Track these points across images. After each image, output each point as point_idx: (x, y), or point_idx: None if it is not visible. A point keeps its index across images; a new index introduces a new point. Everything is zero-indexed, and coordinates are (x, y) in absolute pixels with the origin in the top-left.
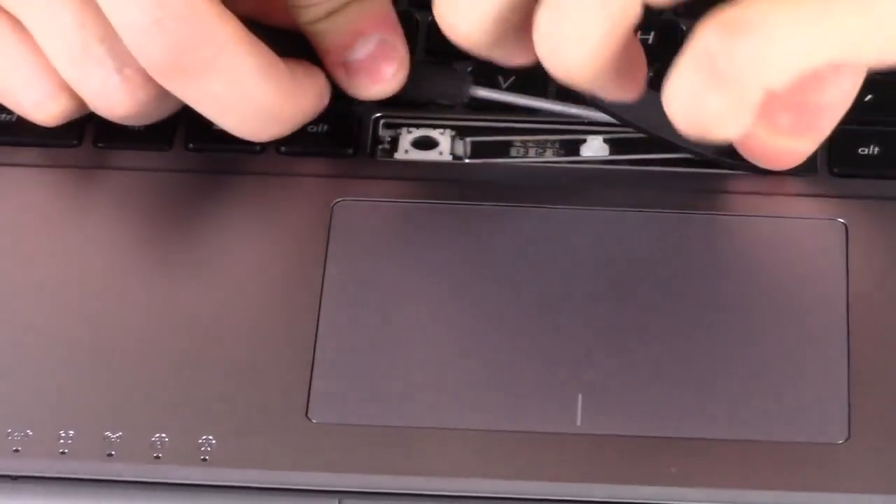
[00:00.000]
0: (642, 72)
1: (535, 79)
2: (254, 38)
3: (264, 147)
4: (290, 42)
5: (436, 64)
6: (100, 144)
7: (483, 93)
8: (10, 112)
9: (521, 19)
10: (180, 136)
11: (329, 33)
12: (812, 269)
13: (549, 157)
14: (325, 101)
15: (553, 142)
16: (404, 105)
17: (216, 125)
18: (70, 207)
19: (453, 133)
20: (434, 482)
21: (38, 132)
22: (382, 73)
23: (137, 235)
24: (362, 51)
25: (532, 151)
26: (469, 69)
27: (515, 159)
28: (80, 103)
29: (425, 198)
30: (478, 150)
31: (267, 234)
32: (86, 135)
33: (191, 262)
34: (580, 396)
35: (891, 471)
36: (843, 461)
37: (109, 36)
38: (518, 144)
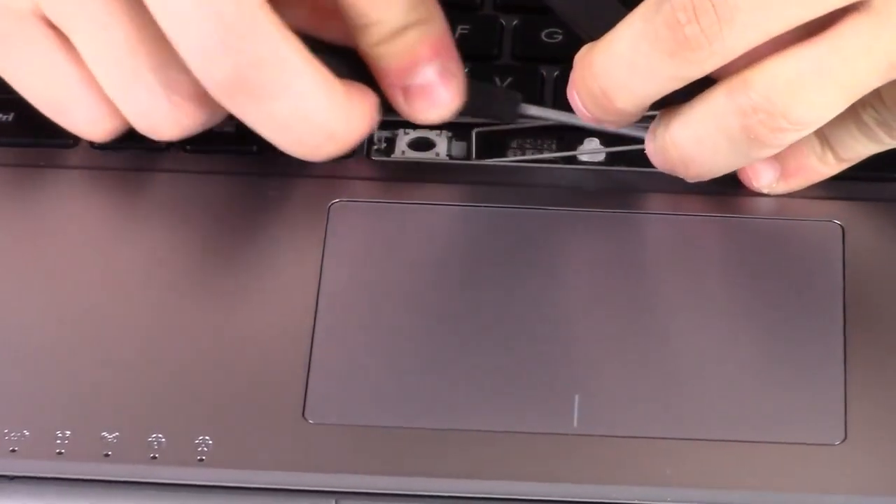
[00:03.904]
0: None
1: None
2: (314, 58)
3: (262, 148)
4: (340, 59)
5: (482, 81)
6: (96, 145)
7: (533, 111)
8: (5, 112)
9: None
10: None
11: (390, 56)
12: (808, 271)
13: (547, 157)
14: (376, 121)
15: (550, 143)
16: None
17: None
18: (66, 208)
19: (450, 134)
20: (431, 483)
21: (33, 132)
22: (440, 98)
23: (134, 237)
24: (422, 76)
25: (529, 152)
26: (507, 82)
27: (512, 160)
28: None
29: (422, 199)
30: (474, 151)
31: (264, 234)
32: None
33: (187, 263)
34: (577, 397)
35: (887, 472)
36: (840, 462)
37: (161, 62)
38: (515, 145)
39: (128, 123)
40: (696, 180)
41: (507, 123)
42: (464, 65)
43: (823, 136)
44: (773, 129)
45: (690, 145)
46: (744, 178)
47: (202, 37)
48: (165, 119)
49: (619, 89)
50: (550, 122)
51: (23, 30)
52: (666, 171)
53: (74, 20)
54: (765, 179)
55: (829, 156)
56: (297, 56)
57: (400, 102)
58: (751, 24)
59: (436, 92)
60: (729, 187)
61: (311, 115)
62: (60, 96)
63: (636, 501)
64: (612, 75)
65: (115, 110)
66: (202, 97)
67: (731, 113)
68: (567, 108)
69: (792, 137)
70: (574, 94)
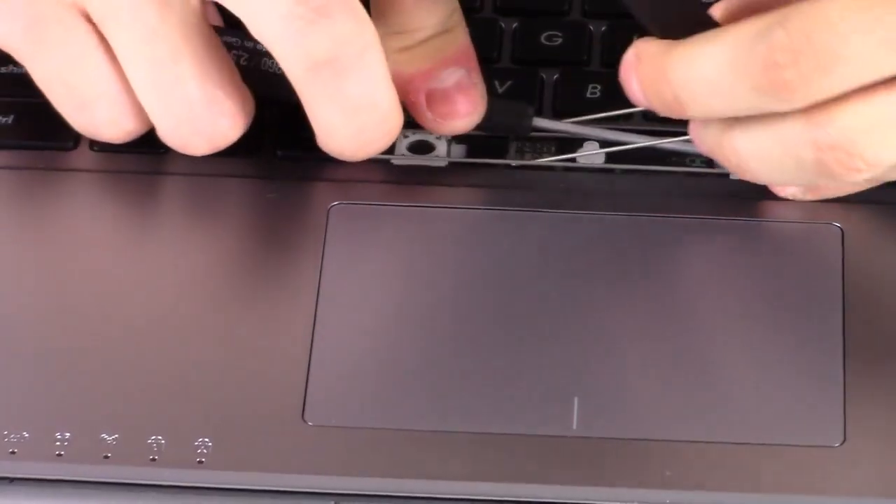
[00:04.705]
0: None
1: (589, 107)
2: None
3: (261, 151)
4: None
5: (497, 95)
6: (96, 147)
7: (544, 123)
8: (5, 115)
9: None
10: None
11: (418, 60)
12: (808, 273)
13: (546, 160)
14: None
15: (549, 145)
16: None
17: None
18: (66, 211)
19: (449, 137)
20: (430, 485)
21: (33, 135)
22: (462, 106)
23: (134, 238)
24: (448, 80)
25: (528, 155)
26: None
27: (511, 163)
28: (149, 123)
29: (421, 201)
30: (474, 154)
31: (264, 237)
32: (82, 138)
33: (188, 265)
34: (576, 400)
35: (886, 474)
36: (839, 464)
37: (204, 74)
38: (514, 148)
39: (147, 127)
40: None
41: (520, 137)
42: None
43: None
44: (849, 168)
45: (753, 160)
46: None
47: (296, 13)
48: (198, 132)
49: (695, 103)
50: (561, 135)
51: (60, 16)
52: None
53: (118, 20)
54: (790, 189)
55: None
56: (375, 36)
57: (421, 108)
58: (849, 74)
59: (459, 99)
60: (728, 190)
61: (379, 99)
62: (86, 90)
63: (636, 503)
64: (689, 89)
65: (140, 112)
66: (238, 110)
67: (806, 144)
68: (573, 116)
69: (864, 177)
70: (635, 85)
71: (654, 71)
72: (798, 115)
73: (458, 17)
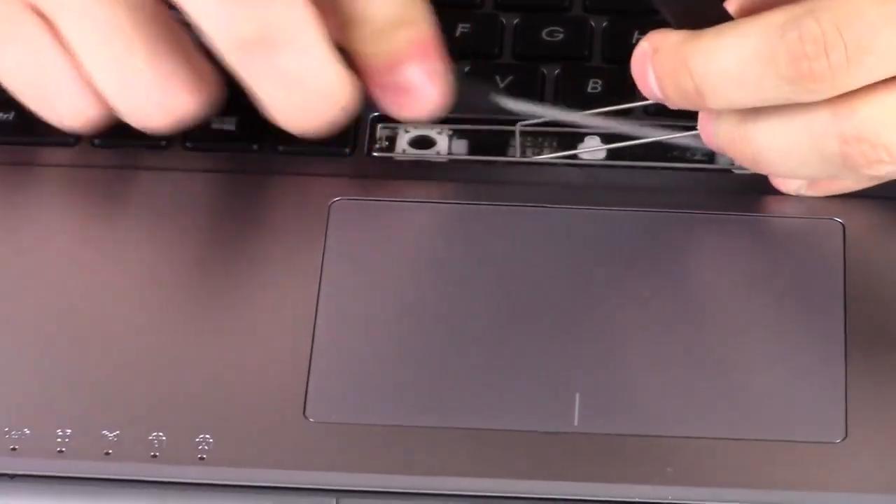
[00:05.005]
0: None
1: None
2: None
3: (262, 146)
4: None
5: (462, 76)
6: (96, 143)
7: (510, 104)
8: (6, 111)
9: None
10: (178, 134)
11: (378, 55)
12: (809, 269)
13: (547, 155)
14: (355, 106)
15: (550, 141)
16: None
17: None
18: (66, 207)
19: (450, 132)
20: (431, 481)
21: (33, 131)
22: (418, 101)
23: (134, 234)
24: (407, 75)
25: (529, 151)
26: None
27: (512, 158)
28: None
29: (422, 197)
30: (475, 150)
31: (264, 232)
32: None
33: (188, 260)
34: (578, 396)
35: (887, 470)
36: (840, 460)
37: (155, 49)
38: (515, 143)
39: (112, 115)
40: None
41: (483, 114)
42: (462, 64)
43: None
44: (871, 160)
45: (772, 151)
46: (773, 179)
47: None
48: (158, 108)
49: (716, 94)
50: (562, 131)
51: (9, 14)
52: (718, 152)
53: (67, 11)
54: (794, 184)
55: None
56: (308, 12)
57: (380, 98)
58: (878, 66)
59: (416, 93)
60: (729, 185)
61: (319, 75)
62: (43, 83)
63: (637, 499)
64: (712, 82)
65: (100, 100)
66: (195, 84)
67: (831, 136)
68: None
69: (888, 170)
70: (650, 76)
71: (673, 61)
72: (823, 106)
73: (419, 9)
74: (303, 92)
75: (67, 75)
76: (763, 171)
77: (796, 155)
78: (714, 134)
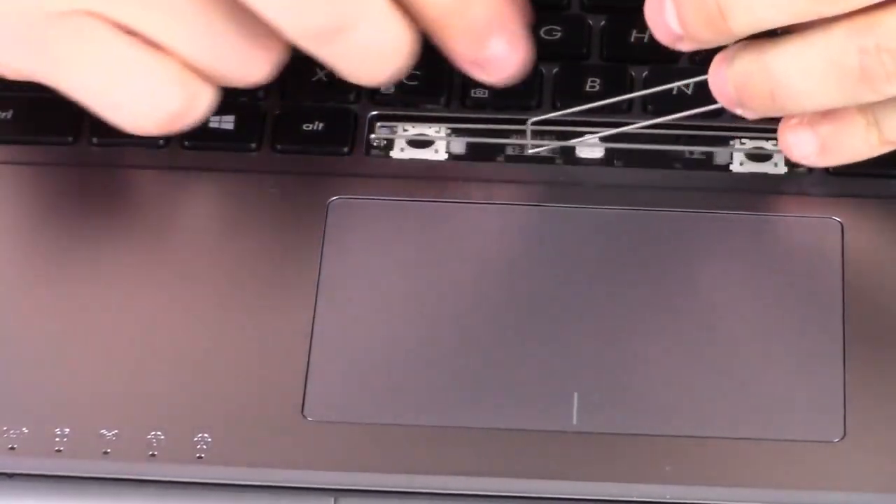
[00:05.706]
0: None
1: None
2: None
3: (260, 145)
4: None
5: None
6: (95, 141)
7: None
8: (4, 110)
9: None
10: (176, 134)
11: (458, 36)
12: (808, 268)
13: (545, 154)
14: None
15: (549, 138)
16: (399, 104)
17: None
18: (66, 205)
19: (448, 131)
20: (430, 480)
21: (32, 130)
22: (511, 62)
23: (132, 233)
24: (492, 49)
25: (528, 149)
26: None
27: (511, 157)
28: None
29: (421, 196)
30: (473, 149)
31: (263, 231)
32: (82, 132)
33: (187, 259)
34: (576, 395)
35: (886, 469)
36: (839, 459)
37: (237, 24)
38: (513, 143)
39: (187, 112)
40: (763, 116)
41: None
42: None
43: (871, 114)
44: (892, 71)
45: (793, 76)
46: (783, 144)
47: None
48: (251, 59)
49: (741, 10)
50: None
51: (77, 30)
52: (726, 105)
53: (143, 21)
54: (804, 150)
55: (874, 135)
56: None
57: (469, 72)
58: None
59: (505, 60)
60: (727, 184)
61: (390, 31)
62: (122, 86)
63: (636, 498)
64: None
65: (183, 85)
66: (271, 37)
67: (851, 51)
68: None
69: None
70: (667, 7)
71: None
72: (842, 21)
73: None
74: (378, 54)
75: (149, 70)
76: (779, 107)
77: (815, 79)
78: (729, 76)
